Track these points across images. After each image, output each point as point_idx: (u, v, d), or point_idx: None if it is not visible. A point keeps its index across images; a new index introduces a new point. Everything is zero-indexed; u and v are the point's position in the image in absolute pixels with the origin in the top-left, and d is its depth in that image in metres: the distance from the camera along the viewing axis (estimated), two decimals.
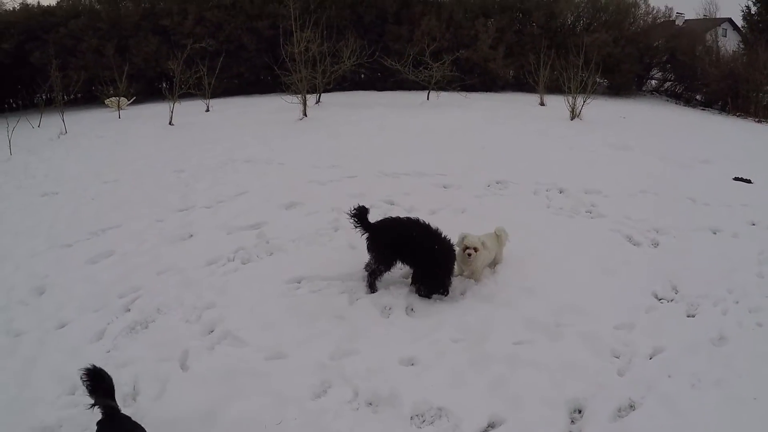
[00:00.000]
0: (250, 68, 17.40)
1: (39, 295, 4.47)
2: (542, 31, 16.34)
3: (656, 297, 4.23)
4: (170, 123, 11.60)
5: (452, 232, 4.23)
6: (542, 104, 13.17)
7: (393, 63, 14.18)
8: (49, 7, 18.52)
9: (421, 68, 14.03)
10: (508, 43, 16.36)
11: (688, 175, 7.38)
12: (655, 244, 5.19)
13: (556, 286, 4.28)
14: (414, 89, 14.99)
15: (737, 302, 4.11)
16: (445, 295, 4.08)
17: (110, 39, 16.69)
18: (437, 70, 13.58)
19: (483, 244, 4.15)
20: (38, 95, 16.05)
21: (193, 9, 16.84)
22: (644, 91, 19.21)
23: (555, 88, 13.08)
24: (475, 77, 16.49)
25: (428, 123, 10.92)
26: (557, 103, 12.13)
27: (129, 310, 4.14)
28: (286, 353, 3.49)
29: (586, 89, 11.21)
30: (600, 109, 12.29)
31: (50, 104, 13.23)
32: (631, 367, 3.33)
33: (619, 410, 2.99)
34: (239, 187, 6.83)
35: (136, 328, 3.93)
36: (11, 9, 19.37)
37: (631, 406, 3.02)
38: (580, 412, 2.99)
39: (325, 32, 14.77)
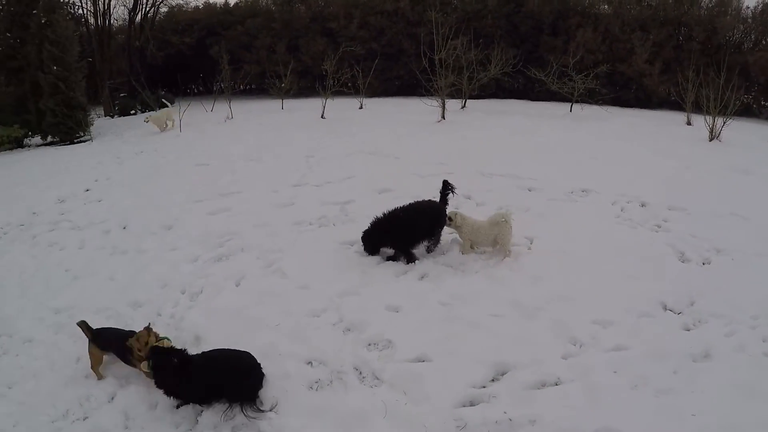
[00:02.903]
0: (408, 71, 18.66)
1: (166, 230, 6.44)
2: (702, 47, 14.87)
3: (664, 307, 4.31)
4: (322, 116, 13.50)
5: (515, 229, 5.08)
6: (689, 123, 12.18)
7: (536, 73, 14.34)
8: (228, 6, 22.03)
9: (565, 80, 13.97)
10: (666, 59, 15.22)
11: None
12: (707, 263, 5.09)
13: (566, 280, 4.64)
14: (566, 101, 14.83)
15: (754, 328, 4.00)
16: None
17: (282, 38, 19.28)
18: (580, 82, 13.42)
19: (463, 219, 4.98)
20: (216, 84, 19.25)
21: (358, 14, 18.75)
22: None
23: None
24: (630, 92, 15.73)
25: (557, 133, 11.10)
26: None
27: (221, 246, 5.76)
28: (310, 286, 4.69)
29: (726, 109, 10.20)
30: (751, 133, 11.05)
31: (224, 93, 16.15)
32: (579, 355, 3.68)
33: (542, 383, 3.42)
34: (350, 172, 8.12)
35: (221, 259, 5.53)
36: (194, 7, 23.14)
37: (556, 383, 3.42)
38: (503, 374, 3.51)
39: (481, 41, 15.65)
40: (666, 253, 5.25)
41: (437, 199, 5.36)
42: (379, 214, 5.10)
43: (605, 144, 10.06)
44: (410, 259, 5.03)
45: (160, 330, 4.00)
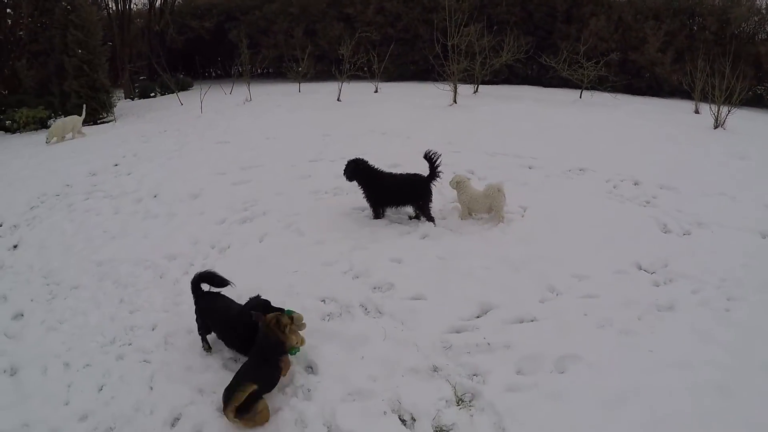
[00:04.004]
0: (423, 57, 18.90)
1: (193, 199, 7.06)
2: (715, 37, 15.05)
3: (638, 267, 4.78)
4: (338, 99, 14.05)
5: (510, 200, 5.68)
6: (697, 112, 12.48)
7: (547, 60, 14.70)
8: None
9: (575, 66, 14.31)
10: (678, 48, 15.43)
11: None
12: (687, 234, 5.52)
13: (551, 242, 5.16)
14: (578, 88, 15.03)
15: (719, 288, 4.42)
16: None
17: (299, 23, 19.63)
18: (590, 70, 13.76)
19: (461, 183, 5.58)
20: (234, 67, 19.81)
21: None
22: None
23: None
24: (642, 81, 15.99)
25: (564, 118, 11.46)
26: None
27: (245, 210, 6.39)
28: (324, 242, 5.32)
29: (732, 98, 10.51)
30: (759, 122, 11.32)
31: (242, 76, 16.68)
32: (555, 300, 4.23)
33: (520, 320, 4.00)
34: (363, 150, 8.55)
35: (245, 221, 6.16)
36: None
37: (532, 321, 3.99)
38: (487, 312, 4.10)
39: (494, 27, 16.00)
40: (649, 225, 5.69)
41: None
42: (374, 165, 5.75)
43: (609, 128, 10.44)
44: (375, 214, 5.81)
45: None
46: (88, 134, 12.57)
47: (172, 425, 3.42)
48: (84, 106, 13.45)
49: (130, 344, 4.27)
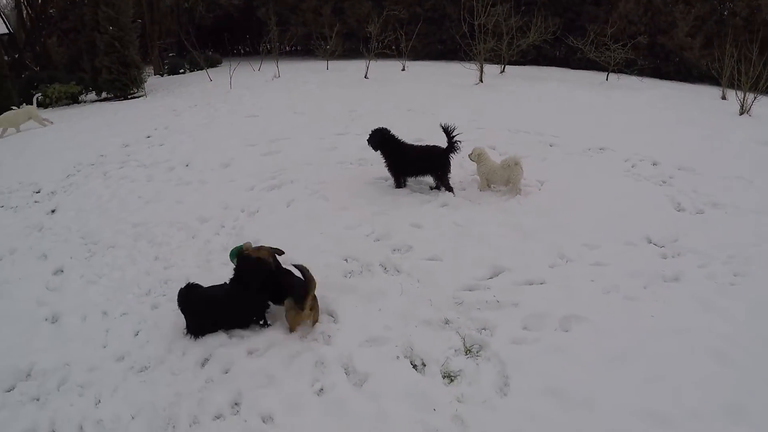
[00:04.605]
0: (451, 36, 18.94)
1: (224, 168, 7.43)
2: (745, 23, 14.74)
3: (648, 240, 4.95)
4: (365, 77, 14.25)
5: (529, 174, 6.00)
6: (724, 98, 12.35)
7: (574, 41, 14.63)
8: None
9: (602, 49, 14.23)
10: (708, 33, 15.18)
11: None
12: (700, 213, 5.63)
13: (566, 214, 5.36)
14: (604, 70, 15.03)
15: (726, 264, 4.53)
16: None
17: (328, 1, 19.79)
18: (617, 52, 13.68)
19: (482, 155, 5.81)
20: (262, 45, 20.06)
21: None
22: None
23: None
24: (670, 65, 15.81)
25: (588, 99, 11.56)
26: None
27: (274, 179, 6.73)
28: (348, 207, 5.65)
29: (758, 84, 10.39)
30: None
31: (270, 53, 16.93)
32: (564, 266, 4.45)
33: (529, 282, 4.24)
34: (388, 125, 8.85)
35: (273, 188, 6.50)
36: None
37: (541, 283, 4.23)
38: (498, 274, 4.36)
39: (522, 8, 15.92)
40: (663, 203, 5.83)
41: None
42: (397, 136, 6.04)
43: (633, 111, 10.50)
44: (397, 183, 6.09)
45: (224, 237, 5.16)
46: (122, 107, 13.05)
47: (202, 365, 3.69)
48: (36, 96, 13.04)
49: (164, 295, 4.57)
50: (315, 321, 3.88)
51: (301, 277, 3.81)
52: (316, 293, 3.80)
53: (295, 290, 3.78)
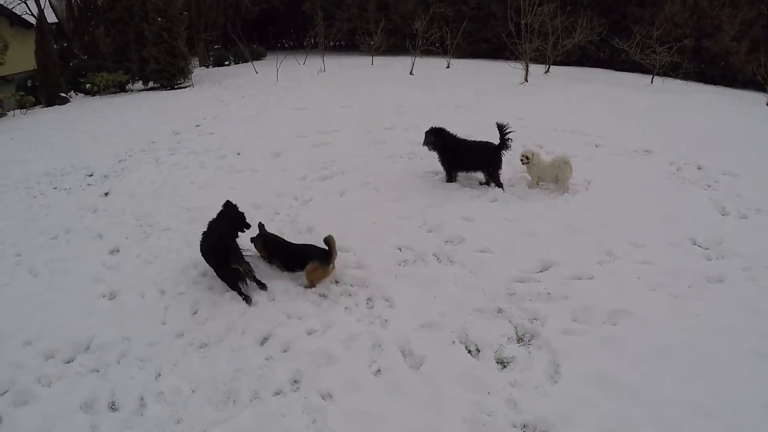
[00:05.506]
0: (496, 35, 18.88)
1: (275, 157, 7.77)
2: None
3: (693, 242, 5.07)
4: (410, 73, 14.46)
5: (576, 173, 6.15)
6: None
7: (619, 43, 14.52)
8: None
9: (647, 51, 14.10)
10: (754, 38, 14.84)
11: None
12: (744, 217, 5.68)
13: (613, 213, 5.54)
14: (649, 73, 14.85)
15: None
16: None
17: None
18: (663, 55, 13.54)
19: (533, 155, 5.94)
20: (307, 39, 20.38)
21: None
22: None
23: None
24: (716, 69, 15.55)
25: (633, 101, 11.52)
26: None
27: (325, 169, 7.04)
28: (399, 199, 5.94)
29: None
30: None
31: (315, 47, 17.20)
32: (612, 263, 4.63)
33: (578, 277, 4.44)
34: (435, 121, 9.07)
35: (325, 178, 6.81)
36: None
37: (590, 279, 4.42)
38: (548, 268, 4.57)
39: (568, 8, 15.84)
40: (708, 206, 5.91)
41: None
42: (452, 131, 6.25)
43: (678, 114, 10.46)
44: (448, 177, 6.32)
45: (278, 224, 5.49)
46: (169, 97, 13.49)
47: (261, 344, 3.89)
48: None
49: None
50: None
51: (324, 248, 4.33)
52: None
53: (316, 255, 4.36)
